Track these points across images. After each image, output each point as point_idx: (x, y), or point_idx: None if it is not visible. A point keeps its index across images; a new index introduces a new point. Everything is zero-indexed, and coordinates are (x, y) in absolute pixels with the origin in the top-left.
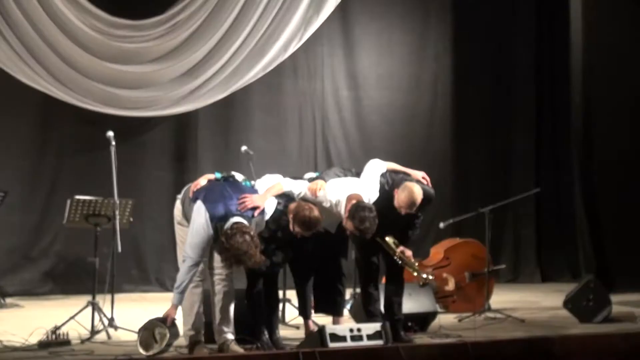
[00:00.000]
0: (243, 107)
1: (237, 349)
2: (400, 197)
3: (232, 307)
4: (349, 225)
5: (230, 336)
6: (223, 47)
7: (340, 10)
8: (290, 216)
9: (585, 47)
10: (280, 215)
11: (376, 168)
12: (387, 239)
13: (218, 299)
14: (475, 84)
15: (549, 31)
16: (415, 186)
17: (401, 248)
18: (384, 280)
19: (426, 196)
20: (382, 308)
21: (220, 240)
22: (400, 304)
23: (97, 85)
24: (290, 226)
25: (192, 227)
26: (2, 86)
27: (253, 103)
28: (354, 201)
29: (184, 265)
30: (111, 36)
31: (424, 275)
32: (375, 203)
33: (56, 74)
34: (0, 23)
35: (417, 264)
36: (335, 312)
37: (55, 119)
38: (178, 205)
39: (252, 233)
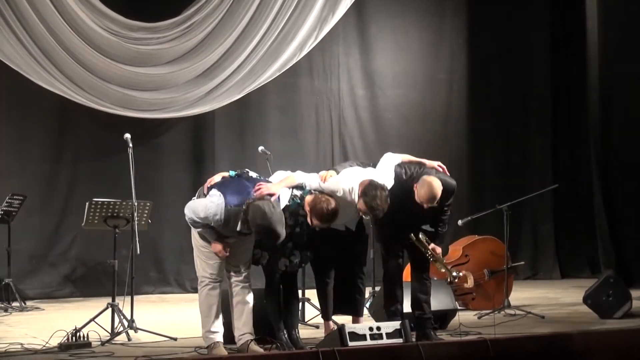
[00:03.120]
0: (259, 107)
1: (257, 348)
2: (420, 193)
3: (251, 308)
4: (360, 204)
5: (250, 336)
6: (239, 48)
7: (355, 9)
8: (308, 209)
9: (601, 44)
10: (297, 209)
11: (391, 159)
12: (420, 236)
13: (237, 301)
14: (491, 81)
15: (565, 28)
16: (434, 179)
17: (432, 245)
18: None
19: (446, 187)
20: (407, 307)
21: (242, 212)
22: (428, 303)
23: (114, 87)
24: (308, 219)
25: (202, 200)
26: (19, 91)
27: (269, 103)
28: (366, 182)
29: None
30: (127, 38)
31: (454, 274)
32: (395, 196)
33: (73, 77)
34: (16, 27)
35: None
36: (355, 312)
37: (72, 123)
38: None
39: (273, 203)
